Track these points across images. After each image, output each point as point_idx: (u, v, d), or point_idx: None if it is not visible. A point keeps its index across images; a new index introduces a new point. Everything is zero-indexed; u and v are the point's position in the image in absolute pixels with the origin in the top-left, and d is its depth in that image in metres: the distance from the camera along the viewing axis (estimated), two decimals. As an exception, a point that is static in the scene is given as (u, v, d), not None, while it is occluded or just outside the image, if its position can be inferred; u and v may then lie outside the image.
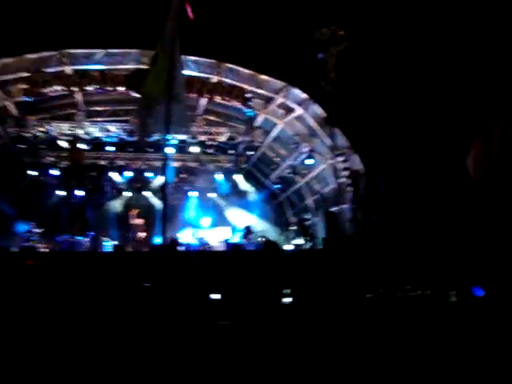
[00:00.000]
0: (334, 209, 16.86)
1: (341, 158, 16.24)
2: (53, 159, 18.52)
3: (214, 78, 15.98)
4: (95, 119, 17.32)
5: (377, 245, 14.23)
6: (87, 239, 16.13)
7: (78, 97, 16.05)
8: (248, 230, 16.79)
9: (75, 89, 15.35)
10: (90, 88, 15.38)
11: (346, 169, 16.27)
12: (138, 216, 17.82)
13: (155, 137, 17.50)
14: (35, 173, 18.48)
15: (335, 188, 16.93)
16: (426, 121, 13.87)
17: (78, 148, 17.24)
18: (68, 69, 14.79)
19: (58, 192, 19.12)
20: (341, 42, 14.66)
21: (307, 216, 18.79)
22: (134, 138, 17.92)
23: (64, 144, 17.36)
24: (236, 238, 17.30)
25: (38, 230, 15.92)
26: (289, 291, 9.09)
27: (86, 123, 16.97)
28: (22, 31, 15.02)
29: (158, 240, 16.77)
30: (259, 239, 16.73)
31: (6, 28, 14.28)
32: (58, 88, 15.25)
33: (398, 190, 14.31)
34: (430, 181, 13.73)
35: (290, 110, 16.90)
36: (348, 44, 14.61)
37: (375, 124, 14.77)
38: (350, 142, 15.94)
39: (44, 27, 14.72)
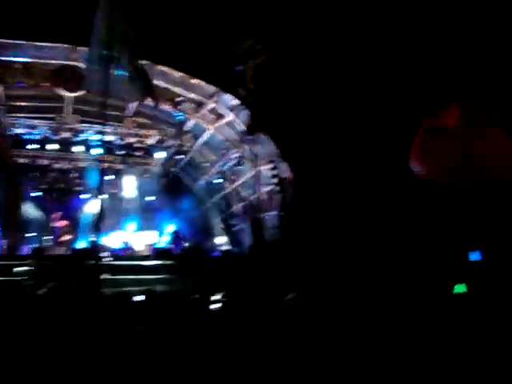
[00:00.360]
0: (261, 215, 17.10)
1: (269, 166, 16.51)
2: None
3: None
4: (17, 115, 16.59)
5: (299, 251, 14.57)
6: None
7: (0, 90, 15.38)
8: (177, 235, 16.75)
9: (-3, 81, 14.69)
10: (11, 81, 14.73)
11: (274, 176, 16.53)
12: (62, 218, 17.25)
13: (82, 136, 17.23)
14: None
15: (263, 195, 17.16)
16: (354, 124, 14.30)
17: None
18: (-12, 59, 14.11)
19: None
20: (259, 55, 15.11)
21: (235, 222, 18.93)
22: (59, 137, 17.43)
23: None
24: (163, 243, 17.20)
25: None
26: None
27: (6, 119, 16.22)
28: None
29: (81, 244, 16.43)
30: (185, 244, 16.73)
31: None
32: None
33: (326, 197, 14.69)
34: (359, 186, 14.15)
35: (220, 116, 17.01)
36: (266, 57, 15.02)
37: (303, 130, 15.13)
38: (279, 149, 16.17)
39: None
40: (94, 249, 14.21)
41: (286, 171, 16.08)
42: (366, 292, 7.90)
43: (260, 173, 17.17)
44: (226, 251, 17.27)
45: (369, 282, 9.64)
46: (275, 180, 16.48)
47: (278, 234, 16.18)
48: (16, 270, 12.21)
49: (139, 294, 8.05)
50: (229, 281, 11.42)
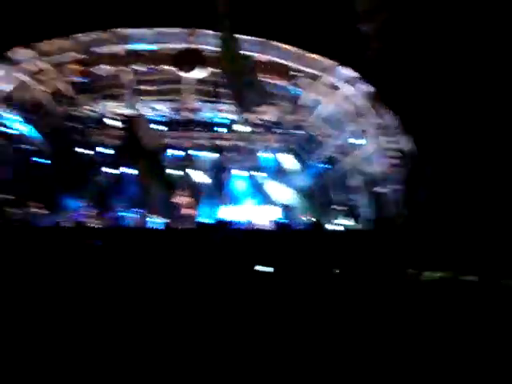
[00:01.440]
0: (381, 190, 17.11)
1: (390, 138, 16.38)
2: (102, 138, 19.43)
3: (261, 57, 16.29)
4: (144, 98, 18.03)
5: (423, 226, 14.42)
6: (136, 216, 17.03)
7: (128, 76, 16.80)
8: (288, 208, 17.30)
9: (125, 68, 16.07)
10: (139, 67, 16.04)
11: (395, 149, 16.38)
12: (186, 195, 18.48)
13: (203, 115, 18.28)
14: (85, 151, 19.48)
15: (383, 168, 17.14)
16: (484, 107, 13.77)
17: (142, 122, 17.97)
18: (119, 49, 15.51)
19: (106, 169, 20.13)
20: (384, 10, 14.65)
21: (354, 196, 19.08)
22: (182, 117, 18.63)
23: (112, 122, 18.23)
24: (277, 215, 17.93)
25: (89, 207, 16.94)
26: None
27: (135, 102, 17.67)
28: (74, 12, 15.85)
29: (205, 218, 17.56)
30: (305, 218, 17.18)
31: (59, 10, 15.12)
32: (109, 68, 16.03)
33: (447, 173, 14.40)
34: (481, 165, 13.74)
35: (337, 89, 17.09)
36: (393, 11, 14.56)
37: (427, 103, 14.80)
38: (401, 121, 15.99)
39: (96, 8, 15.46)
40: (220, 223, 15.32)
41: (407, 144, 15.84)
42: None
43: (380, 146, 17.08)
44: (346, 226, 17.48)
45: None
46: (396, 153, 16.28)
47: (400, 209, 16.09)
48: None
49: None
50: (350, 256, 11.65)
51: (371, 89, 16.04)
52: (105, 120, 18.50)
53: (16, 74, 15.22)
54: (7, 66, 14.66)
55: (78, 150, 19.77)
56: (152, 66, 16.28)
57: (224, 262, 9.00)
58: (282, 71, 16.87)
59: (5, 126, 16.16)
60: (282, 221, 17.21)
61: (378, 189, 17.34)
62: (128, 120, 17.59)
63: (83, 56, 15.74)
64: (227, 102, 18.22)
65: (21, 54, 14.84)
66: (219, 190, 21.45)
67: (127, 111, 18.14)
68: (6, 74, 14.86)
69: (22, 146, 17.81)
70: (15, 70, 15.08)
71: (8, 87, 15.55)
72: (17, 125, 16.53)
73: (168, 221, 17.17)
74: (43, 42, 14.96)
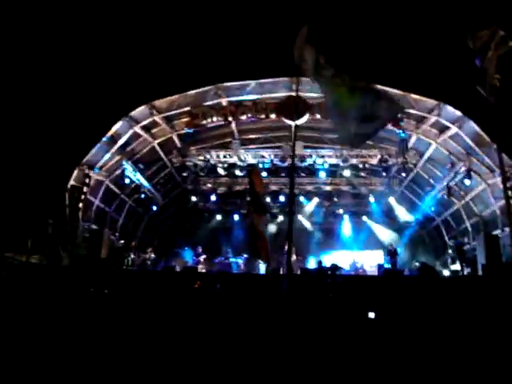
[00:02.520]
0: (495, 232, 16.63)
1: (501, 178, 15.95)
2: (211, 185, 20.76)
3: (365, 101, 16.73)
4: (249, 147, 19.17)
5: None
6: (242, 261, 17.88)
7: (233, 126, 18.08)
8: (393, 252, 17.21)
9: (230, 119, 17.34)
10: (243, 117, 17.24)
11: (508, 188, 15.89)
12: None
13: (307, 161, 18.97)
14: (195, 198, 20.88)
15: (496, 210, 16.70)
16: None
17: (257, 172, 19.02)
18: (224, 101, 16.93)
19: (216, 216, 21.39)
20: (502, 44, 14.50)
21: (465, 240, 18.63)
22: (286, 164, 19.40)
23: (221, 171, 19.46)
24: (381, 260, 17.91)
25: (203, 253, 18.14)
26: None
27: (240, 151, 18.83)
28: (182, 70, 17.54)
29: (311, 263, 17.97)
30: (415, 264, 17.02)
31: (168, 69, 16.83)
32: (215, 119, 17.40)
33: None
34: None
35: (444, 129, 17.19)
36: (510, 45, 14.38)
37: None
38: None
39: (200, 64, 16.97)
40: (335, 269, 15.69)
41: (520, 181, 15.39)
42: None
43: (491, 186, 16.72)
44: (457, 272, 17.07)
45: None
46: (509, 193, 15.78)
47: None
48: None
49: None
50: (462, 303, 11.43)
51: (478, 127, 15.82)
52: (216, 168, 19.71)
53: (135, 130, 17.04)
54: (128, 122, 16.54)
55: (189, 198, 21.17)
56: (255, 115, 17.26)
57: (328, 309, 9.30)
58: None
59: (125, 176, 17.91)
60: (389, 266, 17.14)
61: (491, 232, 16.80)
62: (248, 170, 18.50)
63: (190, 109, 17.14)
64: (330, 147, 18.87)
65: (139, 111, 16.68)
66: (326, 236, 21.87)
67: (235, 159, 19.24)
68: (127, 130, 16.75)
69: (139, 195, 19.53)
70: (134, 126, 16.91)
71: (127, 141, 17.42)
72: (134, 175, 18.24)
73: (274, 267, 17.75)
74: (158, 99, 16.64)
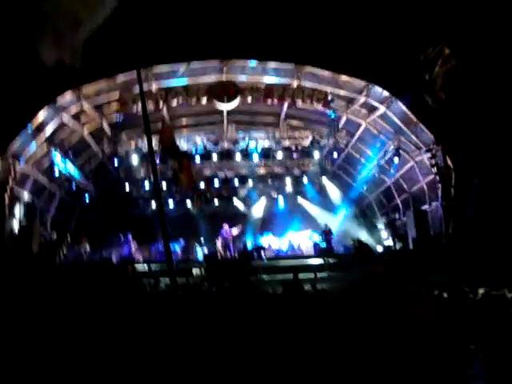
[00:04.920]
0: (423, 207, 17.15)
1: (428, 155, 16.47)
2: (145, 173, 20.25)
3: (294, 83, 16.78)
4: (181, 132, 18.78)
5: (471, 243, 14.34)
6: (179, 247, 17.63)
7: (164, 112, 17.57)
8: (327, 231, 17.47)
9: (161, 104, 16.83)
10: (175, 103, 16.78)
11: (434, 165, 16.43)
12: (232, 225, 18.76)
13: (241, 144, 18.84)
14: (129, 186, 20.34)
15: (424, 186, 17.22)
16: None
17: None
18: (154, 86, 16.29)
19: (151, 203, 20.93)
20: (447, 62, 14.98)
21: (396, 216, 19.15)
22: (221, 147, 19.23)
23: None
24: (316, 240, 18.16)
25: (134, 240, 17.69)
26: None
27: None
28: (109, 54, 16.82)
29: (249, 246, 17.98)
30: (350, 241, 17.32)
31: (96, 53, 16.08)
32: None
33: (489, 185, 14.37)
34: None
35: (372, 109, 17.46)
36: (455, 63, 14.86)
37: (461, 117, 14.93)
38: (436, 137, 16.09)
39: (128, 48, 16.30)
40: (257, 251, 15.74)
41: (445, 159, 15.89)
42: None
43: (419, 163, 17.21)
44: (389, 247, 17.54)
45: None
46: (435, 169, 16.32)
47: (444, 226, 16.06)
48: (194, 272, 14.05)
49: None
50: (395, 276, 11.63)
51: (406, 107, 16.17)
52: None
53: (62, 117, 16.15)
54: (54, 110, 15.63)
55: (123, 186, 20.59)
56: (187, 100, 16.88)
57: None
58: (319, 96, 17.25)
59: (53, 167, 17.08)
60: (324, 245, 17.37)
61: (420, 207, 17.34)
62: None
63: (119, 95, 16.49)
64: (263, 129, 18.83)
65: (66, 97, 15.81)
66: (262, 217, 21.90)
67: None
68: (52, 118, 15.85)
69: (70, 186, 18.74)
70: (60, 114, 16.02)
71: (55, 130, 16.53)
72: (64, 166, 17.44)
73: (211, 250, 17.65)
74: (85, 84, 15.82)
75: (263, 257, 16.02)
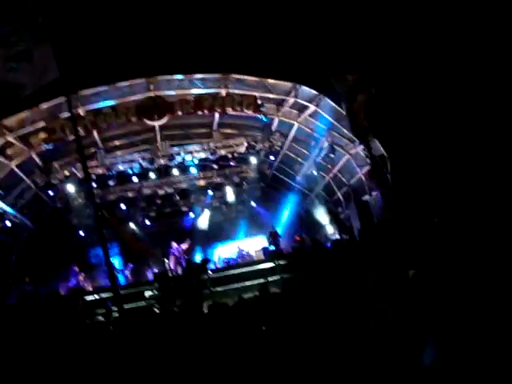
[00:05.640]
0: (364, 198, 17.54)
1: (362, 146, 16.86)
2: (82, 200, 19.70)
3: (223, 92, 16.83)
4: (116, 153, 18.44)
5: (414, 228, 14.70)
6: (128, 271, 17.32)
7: (95, 135, 17.19)
8: (273, 234, 17.63)
9: (91, 128, 16.46)
10: (104, 125, 16.44)
11: (368, 156, 16.81)
12: (180, 241, 18.58)
13: (177, 159, 18.71)
14: (69, 215, 19.79)
15: (362, 177, 17.61)
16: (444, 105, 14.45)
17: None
18: (81, 110, 15.90)
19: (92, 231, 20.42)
20: (366, 91, 15.38)
21: (339, 210, 19.51)
22: (158, 165, 19.02)
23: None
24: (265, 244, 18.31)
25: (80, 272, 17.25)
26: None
27: (107, 159, 18.08)
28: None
29: (197, 258, 17.91)
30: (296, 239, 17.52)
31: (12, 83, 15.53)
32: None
33: (422, 170, 14.90)
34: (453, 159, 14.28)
35: (303, 109, 17.74)
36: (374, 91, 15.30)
37: (390, 107, 15.40)
38: (370, 128, 16.48)
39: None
40: (204, 264, 15.66)
41: (379, 149, 16.32)
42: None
43: (354, 156, 17.60)
44: (337, 240, 17.82)
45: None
46: (372, 159, 16.72)
47: (386, 214, 16.45)
48: (147, 294, 13.81)
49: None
50: (343, 269, 11.81)
51: (335, 103, 16.52)
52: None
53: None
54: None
55: (62, 216, 20.04)
56: (116, 121, 16.58)
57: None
58: (249, 102, 17.34)
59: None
60: (272, 248, 17.49)
61: (360, 198, 17.74)
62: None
63: (47, 124, 16.00)
64: (197, 142, 18.80)
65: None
66: (210, 229, 21.85)
67: (103, 169, 18.44)
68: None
69: (3, 224, 18.02)
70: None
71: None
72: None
73: (159, 271, 17.45)
74: (6, 118, 15.23)
75: (208, 269, 15.94)
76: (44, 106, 15.61)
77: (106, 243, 5.43)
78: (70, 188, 18.68)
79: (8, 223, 18.08)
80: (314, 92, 17.02)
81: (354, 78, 15.19)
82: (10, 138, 15.98)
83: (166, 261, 18.15)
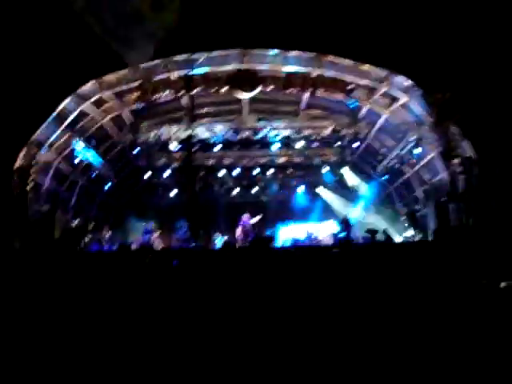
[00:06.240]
0: (444, 199, 17.04)
1: (451, 145, 16.35)
2: (164, 161, 20.43)
3: (315, 72, 16.72)
4: (201, 121, 18.86)
5: (493, 234, 14.24)
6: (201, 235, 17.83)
7: (185, 101, 17.65)
8: (346, 223, 17.48)
9: (181, 93, 16.91)
10: (194, 91, 16.83)
11: (456, 156, 16.31)
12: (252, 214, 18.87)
13: (261, 134, 18.92)
14: (149, 174, 20.57)
15: (446, 177, 17.10)
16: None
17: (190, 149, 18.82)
18: (173, 75, 16.36)
19: (171, 192, 21.18)
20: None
21: (417, 207, 19.07)
22: (241, 136, 19.31)
23: (174, 146, 19.13)
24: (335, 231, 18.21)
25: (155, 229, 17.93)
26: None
27: (193, 125, 18.50)
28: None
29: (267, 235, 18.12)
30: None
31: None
32: (166, 93, 16.94)
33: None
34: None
35: (394, 99, 17.25)
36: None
37: (485, 108, 14.82)
38: (460, 127, 15.96)
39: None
40: (268, 241, 15.80)
41: (468, 150, 15.77)
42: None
43: (441, 154, 17.09)
44: (410, 238, 17.49)
45: None
46: (457, 160, 16.21)
47: (465, 218, 15.96)
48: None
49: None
50: (413, 269, 11.66)
51: (428, 96, 16.03)
52: (168, 144, 19.40)
53: (84, 106, 16.39)
54: (76, 99, 15.89)
55: (143, 174, 20.86)
56: (206, 89, 16.91)
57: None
58: (338, 85, 17.17)
59: (75, 155, 17.38)
60: (343, 235, 17.38)
61: (441, 198, 17.23)
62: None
63: (140, 84, 16.59)
64: (283, 118, 18.85)
65: (88, 87, 16.01)
66: (281, 208, 22.00)
67: (187, 134, 18.93)
68: (75, 107, 16.09)
69: (91, 173, 19.05)
70: (83, 103, 16.25)
71: (77, 119, 16.77)
72: (85, 154, 17.72)
73: (227, 240, 17.79)
74: (106, 74, 15.98)
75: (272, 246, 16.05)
76: (141, 66, 16.14)
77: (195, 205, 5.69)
78: (154, 148, 19.35)
79: (94, 174, 19.11)
80: (408, 82, 16.52)
81: (443, 98, 14.90)
82: (107, 94, 16.74)
83: (236, 231, 18.51)
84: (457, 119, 15.28)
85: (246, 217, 18.45)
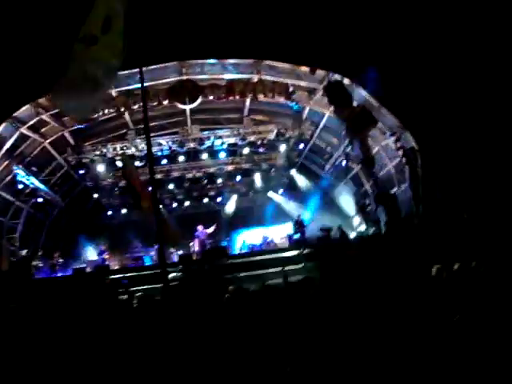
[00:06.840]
0: (392, 191, 17.41)
1: (393, 138, 16.73)
2: (112, 180, 20.09)
3: (255, 78, 16.83)
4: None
5: (441, 222, 14.64)
6: (153, 252, 17.59)
7: (127, 117, 17.45)
8: (300, 223, 17.65)
9: (122, 109, 16.70)
10: (135, 106, 16.64)
11: (399, 148, 16.71)
12: (206, 225, 18.77)
13: (206, 143, 18.88)
14: (97, 195, 20.23)
15: (391, 169, 17.48)
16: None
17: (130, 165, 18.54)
18: (113, 91, 16.12)
19: (121, 210, 20.86)
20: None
21: (367, 202, 19.39)
22: (187, 148, 19.22)
23: (120, 164, 18.85)
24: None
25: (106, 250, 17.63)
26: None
27: (137, 141, 18.30)
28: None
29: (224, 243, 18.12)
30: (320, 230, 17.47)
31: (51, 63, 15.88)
32: (107, 111, 16.69)
33: (454, 165, 14.76)
34: (484, 153, 14.12)
35: (335, 98, 17.47)
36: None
37: (424, 100, 15.25)
38: (400, 120, 16.36)
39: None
40: (224, 248, 15.80)
41: (410, 141, 16.18)
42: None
43: (384, 147, 17.46)
44: (363, 232, 17.77)
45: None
46: (401, 152, 16.61)
47: (414, 207, 16.36)
48: (170, 276, 13.97)
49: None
50: (369, 261, 11.82)
51: (367, 93, 16.37)
52: (114, 162, 19.06)
53: (22, 131, 15.97)
54: (13, 124, 15.46)
55: (91, 195, 20.49)
56: (149, 103, 16.71)
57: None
58: (279, 88, 17.34)
59: (18, 182, 16.91)
60: (298, 236, 17.53)
61: (389, 190, 17.63)
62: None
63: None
64: (227, 127, 18.90)
65: (24, 111, 15.59)
66: (236, 215, 22.03)
67: (132, 150, 18.69)
68: (13, 133, 15.67)
69: (36, 199, 18.55)
70: (21, 127, 15.84)
71: (16, 145, 16.32)
72: (28, 179, 17.26)
73: (184, 253, 17.67)
74: (42, 97, 15.58)
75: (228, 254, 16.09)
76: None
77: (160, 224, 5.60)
78: (100, 168, 19.01)
79: (40, 199, 18.61)
80: (346, 80, 16.82)
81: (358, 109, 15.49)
82: (45, 117, 16.34)
83: (191, 243, 18.43)
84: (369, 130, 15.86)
85: (200, 228, 18.40)
